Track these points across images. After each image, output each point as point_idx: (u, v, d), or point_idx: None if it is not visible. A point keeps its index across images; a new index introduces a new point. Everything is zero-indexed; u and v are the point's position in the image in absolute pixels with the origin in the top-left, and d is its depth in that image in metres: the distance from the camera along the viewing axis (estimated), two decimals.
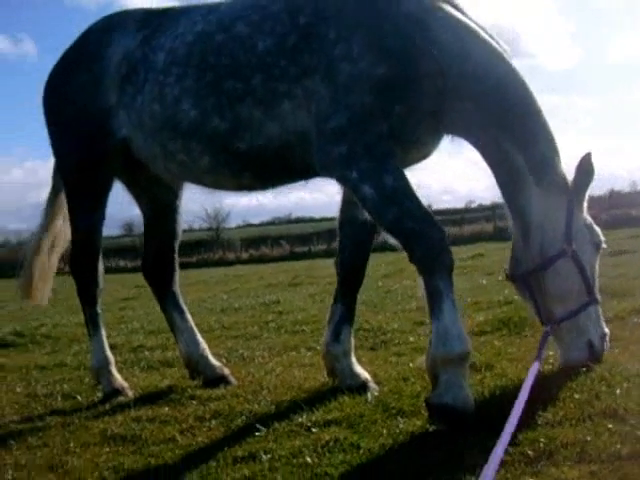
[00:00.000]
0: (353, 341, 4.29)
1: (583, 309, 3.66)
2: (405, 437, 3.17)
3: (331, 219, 4.49)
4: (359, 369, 4.19)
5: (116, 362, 4.99)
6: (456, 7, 3.64)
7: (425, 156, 3.97)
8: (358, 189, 3.49)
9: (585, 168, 3.68)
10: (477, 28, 3.62)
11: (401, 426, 3.28)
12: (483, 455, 2.47)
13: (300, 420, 3.57)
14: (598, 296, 3.75)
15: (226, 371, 4.74)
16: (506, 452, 2.60)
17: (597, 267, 3.80)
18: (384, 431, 3.24)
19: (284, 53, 3.67)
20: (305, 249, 25.98)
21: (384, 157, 3.48)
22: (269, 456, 3.10)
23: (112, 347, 6.29)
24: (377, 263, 14.74)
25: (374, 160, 3.45)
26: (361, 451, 3.04)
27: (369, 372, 4.30)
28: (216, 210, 47.49)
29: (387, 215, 3.42)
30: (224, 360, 5.38)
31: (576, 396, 3.32)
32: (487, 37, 3.62)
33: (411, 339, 5.75)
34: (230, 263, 27.61)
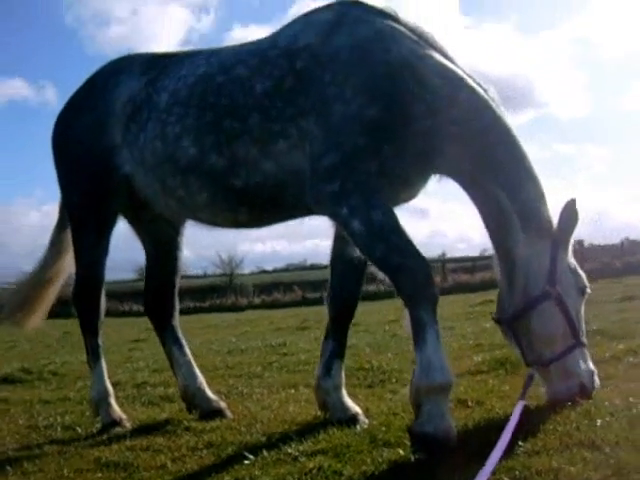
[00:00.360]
0: (344, 375, 4.36)
1: (569, 352, 3.72)
2: (388, 465, 3.22)
3: None
4: (349, 403, 4.27)
5: (118, 397, 5.12)
6: (445, 55, 3.82)
7: (413, 195, 4.10)
8: (348, 225, 3.62)
9: (569, 213, 3.78)
10: (465, 75, 3.79)
11: (385, 455, 3.34)
12: None
13: (289, 450, 3.64)
14: (584, 340, 3.81)
15: (222, 405, 4.83)
16: None
17: (582, 311, 3.87)
18: (368, 460, 3.30)
19: (281, 95, 3.85)
20: (317, 295, 25.91)
21: (373, 194, 3.61)
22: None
23: (116, 384, 6.51)
24: (385, 309, 14.86)
25: (363, 197, 3.59)
26: (343, 477, 3.12)
27: (362, 407, 4.37)
28: (230, 256, 47.85)
29: (375, 250, 3.55)
30: (223, 396, 5.46)
31: (558, 428, 3.37)
32: (474, 84, 3.79)
33: (408, 377, 5.78)
34: (242, 308, 27.72)
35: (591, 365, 3.83)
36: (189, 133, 4.13)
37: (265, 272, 50.59)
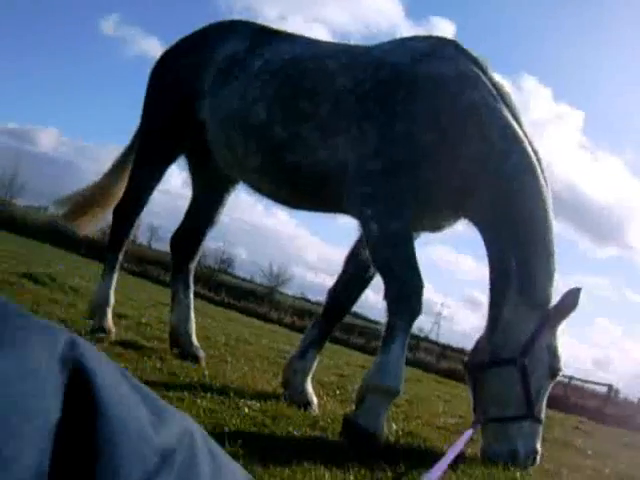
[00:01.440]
0: (315, 365, 4.58)
1: (517, 421, 3.85)
2: (310, 440, 3.44)
3: (377, 323, 4.81)
4: (310, 389, 4.50)
5: (119, 325, 5.41)
6: (514, 114, 4.06)
7: (439, 227, 4.31)
8: (367, 225, 3.89)
9: (569, 300, 3.95)
10: (524, 137, 4.01)
11: (313, 434, 3.57)
12: None
13: (235, 399, 3.90)
14: (540, 416, 3.92)
15: (201, 353, 5.12)
16: None
17: (547, 390, 3.98)
18: (297, 429, 3.55)
19: (356, 95, 4.16)
20: (345, 337, 26.02)
21: (399, 206, 3.87)
22: (191, 403, 3.44)
23: (122, 316, 6.85)
24: None
25: (389, 206, 3.85)
26: (265, 429, 3.36)
27: (321, 405, 4.58)
28: (280, 271, 48.36)
29: (381, 254, 3.82)
30: (210, 355, 5.72)
31: None
32: (529, 148, 4.00)
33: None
34: (272, 321, 27.93)
35: (537, 443, 3.92)
36: (265, 100, 4.47)
37: (306, 300, 50.83)
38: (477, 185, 3.95)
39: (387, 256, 3.77)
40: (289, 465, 2.80)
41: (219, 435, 3.00)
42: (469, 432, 3.61)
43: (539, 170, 4.01)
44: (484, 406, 3.94)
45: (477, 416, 3.96)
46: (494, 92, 4.05)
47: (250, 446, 2.93)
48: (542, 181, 4.00)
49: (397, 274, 3.70)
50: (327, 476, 2.78)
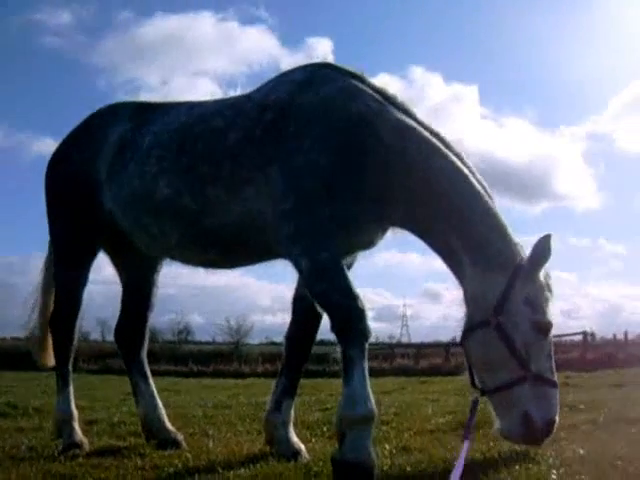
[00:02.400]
0: (292, 413, 4.55)
1: (517, 383, 3.67)
2: None
3: None
4: (295, 439, 4.46)
5: (91, 431, 5.27)
6: (406, 111, 4.09)
7: (369, 244, 4.33)
8: (298, 263, 3.90)
9: (541, 248, 3.79)
10: (416, 125, 4.03)
11: None
12: None
13: (225, 474, 3.84)
14: (548, 376, 3.72)
15: (179, 437, 5.02)
16: None
17: (545, 347, 3.79)
18: None
19: (251, 144, 4.18)
20: (320, 368, 25.88)
21: (324, 237, 3.88)
22: None
23: (93, 421, 6.69)
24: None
25: (315, 239, 3.87)
26: None
27: (308, 447, 4.54)
28: (239, 324, 47.98)
29: (317, 288, 3.81)
30: (190, 436, 5.61)
31: None
32: (426, 134, 4.03)
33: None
34: (245, 375, 27.59)
35: (552, 409, 3.71)
36: (165, 175, 4.45)
37: (273, 343, 50.37)
38: (390, 189, 3.98)
39: (323, 289, 3.78)
40: None
41: None
42: (467, 443, 3.56)
43: (442, 147, 4.00)
44: (479, 380, 3.86)
45: (475, 395, 3.87)
46: (377, 97, 4.10)
47: None
48: (450, 155, 3.99)
49: (336, 304, 3.71)
50: None
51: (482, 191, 3.97)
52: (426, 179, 3.96)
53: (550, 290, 3.91)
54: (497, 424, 3.83)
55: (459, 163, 4.00)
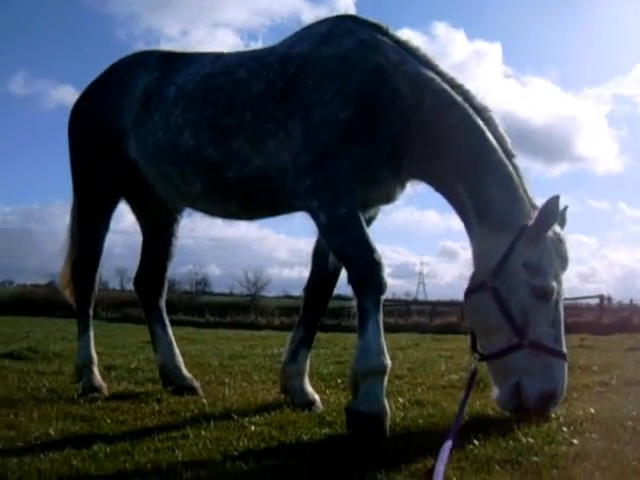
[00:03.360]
0: (308, 364, 4.62)
1: (512, 351, 3.66)
2: (323, 439, 3.48)
3: None
4: (309, 389, 4.53)
5: (110, 376, 5.37)
6: (427, 63, 4.04)
7: (389, 198, 4.33)
8: (316, 216, 3.92)
9: (548, 210, 3.69)
10: (435, 77, 3.98)
11: (324, 431, 3.62)
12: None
13: (239, 420, 3.93)
14: (546, 343, 3.64)
15: (196, 384, 5.12)
16: None
17: (547, 314, 3.70)
18: (306, 432, 3.58)
19: (273, 96, 4.17)
20: (336, 322, 26.09)
21: (342, 190, 3.88)
22: (196, 437, 3.46)
23: (111, 367, 6.83)
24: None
25: (332, 192, 3.87)
26: (274, 441, 3.41)
27: (322, 398, 4.61)
28: (257, 277, 48.36)
29: (335, 241, 3.83)
30: (206, 383, 5.72)
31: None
32: (444, 85, 3.97)
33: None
34: (261, 327, 27.89)
35: (551, 381, 3.65)
36: (190, 126, 4.46)
37: (290, 297, 50.84)
38: (408, 142, 3.95)
39: (341, 241, 3.79)
40: (302, 472, 2.83)
41: (230, 460, 3.02)
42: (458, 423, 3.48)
43: (461, 100, 3.95)
44: (480, 345, 3.90)
45: (474, 362, 3.95)
46: (398, 49, 4.05)
47: (261, 462, 2.97)
48: (468, 110, 3.94)
49: (354, 257, 3.73)
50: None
51: (499, 149, 3.91)
52: (440, 133, 3.91)
53: (561, 255, 3.83)
54: (494, 392, 3.87)
55: (476, 118, 3.94)
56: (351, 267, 3.74)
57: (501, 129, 4.01)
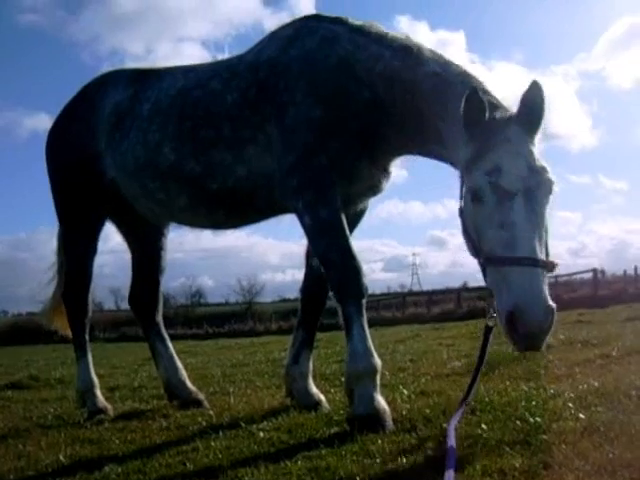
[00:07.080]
0: (311, 365, 4.63)
1: (484, 275, 3.12)
2: (333, 438, 3.47)
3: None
4: (314, 390, 4.54)
5: (114, 397, 5.36)
6: (374, 37, 3.97)
7: (376, 188, 4.31)
8: (301, 219, 3.94)
9: (528, 96, 3.15)
10: (385, 52, 3.85)
11: (332, 431, 3.63)
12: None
13: (248, 427, 3.93)
14: (504, 252, 2.95)
15: (201, 396, 5.12)
16: None
17: (484, 215, 3.07)
18: (315, 434, 3.60)
19: (248, 104, 4.19)
20: (334, 321, 26.12)
21: (326, 189, 3.90)
22: (206, 448, 3.47)
23: (115, 387, 6.82)
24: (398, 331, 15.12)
25: (316, 193, 3.88)
26: (284, 445, 3.42)
27: (328, 398, 4.63)
28: (250, 284, 48.34)
29: (318, 246, 3.89)
30: (210, 395, 5.72)
31: None
32: (397, 63, 3.78)
33: (388, 377, 6.03)
34: (259, 334, 27.94)
35: (511, 292, 2.90)
36: (168, 141, 4.47)
37: (286, 300, 50.87)
38: (382, 125, 3.93)
39: (323, 246, 3.85)
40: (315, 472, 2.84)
41: (241, 467, 3.03)
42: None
43: (415, 49, 3.80)
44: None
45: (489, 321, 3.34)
46: (354, 37, 4.02)
47: (271, 468, 2.98)
48: (425, 52, 3.78)
49: (334, 262, 3.78)
50: (354, 468, 2.83)
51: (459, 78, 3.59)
52: (407, 93, 3.74)
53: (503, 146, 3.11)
54: None
55: (430, 54, 3.78)
56: (332, 274, 3.80)
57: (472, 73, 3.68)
